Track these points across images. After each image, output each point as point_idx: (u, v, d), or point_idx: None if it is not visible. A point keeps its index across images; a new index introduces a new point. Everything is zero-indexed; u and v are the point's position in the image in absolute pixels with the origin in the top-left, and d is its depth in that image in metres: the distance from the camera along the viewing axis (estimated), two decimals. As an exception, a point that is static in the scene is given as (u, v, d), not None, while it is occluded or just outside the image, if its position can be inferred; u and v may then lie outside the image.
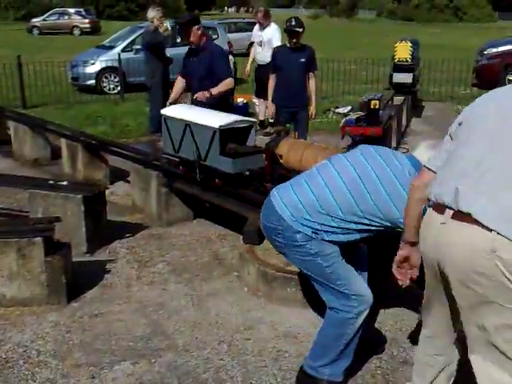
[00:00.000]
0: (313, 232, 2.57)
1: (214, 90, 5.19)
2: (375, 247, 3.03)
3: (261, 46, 8.26)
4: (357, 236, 2.64)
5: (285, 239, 2.63)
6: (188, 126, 4.52)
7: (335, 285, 2.65)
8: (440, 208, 1.96)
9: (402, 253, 2.36)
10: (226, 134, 4.35)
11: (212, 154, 4.37)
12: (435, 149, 2.60)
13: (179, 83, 5.64)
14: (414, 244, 2.27)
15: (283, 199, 2.64)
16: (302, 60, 5.88)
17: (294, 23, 5.77)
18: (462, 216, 1.85)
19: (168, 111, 4.87)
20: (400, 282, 2.43)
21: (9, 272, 3.51)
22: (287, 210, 2.60)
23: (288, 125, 5.72)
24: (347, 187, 2.56)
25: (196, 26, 5.31)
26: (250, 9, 59.70)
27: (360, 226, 2.58)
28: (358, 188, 2.55)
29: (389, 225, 2.58)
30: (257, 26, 8.53)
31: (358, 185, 2.56)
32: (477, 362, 1.99)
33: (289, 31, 5.84)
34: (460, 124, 2.08)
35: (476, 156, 1.93)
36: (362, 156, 2.68)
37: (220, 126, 4.28)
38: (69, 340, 3.27)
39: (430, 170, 2.16)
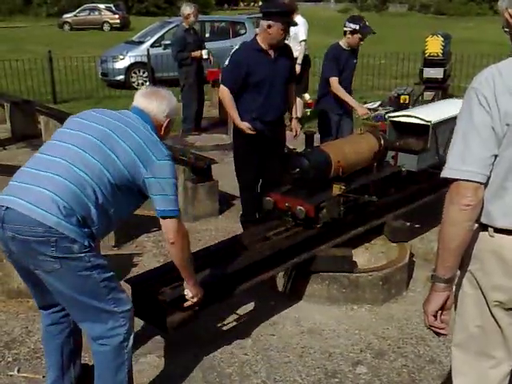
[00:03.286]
0: (86, 237, 2.21)
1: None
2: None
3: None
4: (113, 216, 2.36)
5: (60, 252, 2.16)
6: None
7: (105, 303, 2.30)
8: None
9: (441, 298, 1.86)
10: (399, 128, 4.42)
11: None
12: (152, 97, 2.52)
13: (232, 101, 4.16)
14: (452, 281, 1.89)
15: (32, 202, 2.14)
16: (355, 61, 5.56)
17: (368, 26, 5.26)
18: None
19: None
20: (444, 331, 1.93)
21: (38, 264, 3.57)
22: (48, 213, 2.12)
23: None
24: (93, 157, 2.25)
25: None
26: (252, 3, 58.43)
27: (113, 194, 2.30)
28: (102, 152, 2.27)
29: (131, 185, 2.33)
30: None
31: (101, 148, 2.28)
32: None
33: (364, 33, 5.23)
34: (508, 125, 1.72)
35: None
36: (88, 121, 2.39)
37: (388, 117, 4.52)
38: (96, 332, 3.31)
39: (473, 181, 1.74)
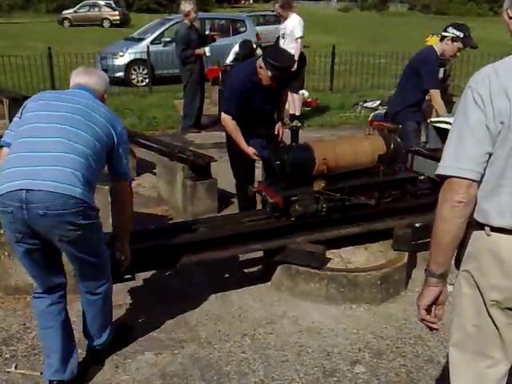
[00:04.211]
0: (93, 203, 2.48)
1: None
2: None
3: (284, 38, 8.08)
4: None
5: (86, 219, 2.40)
6: None
7: (104, 258, 2.69)
8: None
9: (433, 293, 1.90)
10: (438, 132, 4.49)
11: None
12: (89, 74, 2.77)
13: (236, 127, 4.27)
14: (445, 277, 1.92)
15: (55, 180, 2.31)
16: None
17: (471, 38, 4.85)
18: None
19: None
20: (435, 326, 1.96)
21: (36, 261, 3.56)
22: (72, 186, 2.34)
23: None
24: (83, 131, 2.47)
25: None
26: (244, 1, 57.21)
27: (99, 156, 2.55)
28: (86, 125, 2.50)
29: (107, 150, 2.59)
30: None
31: (84, 122, 2.50)
32: None
33: (466, 43, 4.86)
34: (503, 123, 1.73)
35: None
36: (56, 102, 2.57)
37: (430, 121, 4.67)
38: (93, 329, 3.30)
39: (466, 179, 1.76)
